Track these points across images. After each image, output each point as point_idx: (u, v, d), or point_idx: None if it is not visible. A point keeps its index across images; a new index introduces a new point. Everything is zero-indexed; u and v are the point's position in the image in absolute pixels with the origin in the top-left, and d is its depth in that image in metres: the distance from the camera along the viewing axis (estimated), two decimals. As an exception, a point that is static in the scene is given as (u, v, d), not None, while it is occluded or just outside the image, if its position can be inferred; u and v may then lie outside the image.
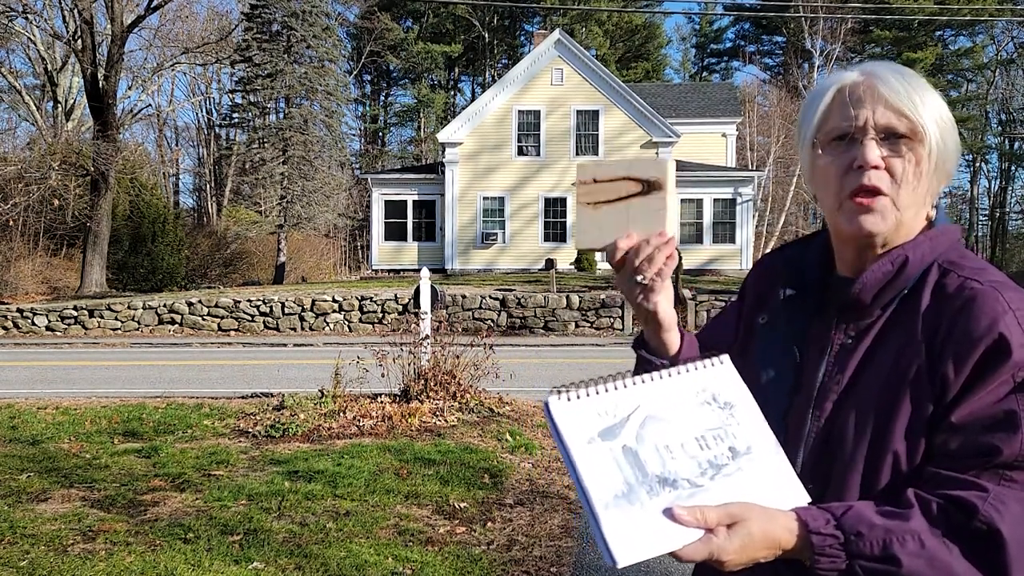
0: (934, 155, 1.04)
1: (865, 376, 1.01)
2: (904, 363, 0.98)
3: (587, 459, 0.91)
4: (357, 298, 18.72)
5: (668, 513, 0.88)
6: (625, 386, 0.96)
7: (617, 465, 0.90)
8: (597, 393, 0.95)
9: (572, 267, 25.13)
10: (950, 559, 0.88)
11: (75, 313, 18.68)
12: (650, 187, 1.01)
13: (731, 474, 0.93)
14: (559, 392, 0.95)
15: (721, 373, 1.00)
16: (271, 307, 18.69)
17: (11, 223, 28.03)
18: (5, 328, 18.59)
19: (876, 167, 1.02)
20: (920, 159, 1.03)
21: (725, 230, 26.67)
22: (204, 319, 18.71)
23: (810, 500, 0.94)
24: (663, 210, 1.01)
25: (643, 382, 0.96)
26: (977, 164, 53.44)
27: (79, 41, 26.70)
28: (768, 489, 0.93)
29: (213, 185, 48.95)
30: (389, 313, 18.47)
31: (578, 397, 0.94)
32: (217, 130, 48.63)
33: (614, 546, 0.86)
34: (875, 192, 1.02)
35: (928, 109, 1.04)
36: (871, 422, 0.98)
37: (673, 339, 1.11)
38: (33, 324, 18.62)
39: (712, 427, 0.95)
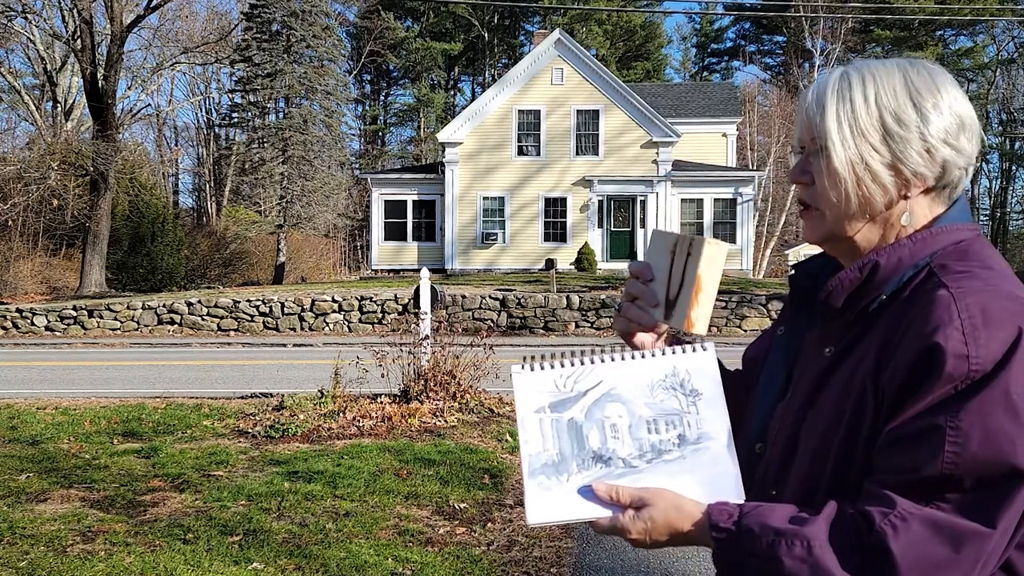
0: (848, 160, 0.98)
1: (830, 384, 0.98)
2: (859, 372, 0.95)
3: (530, 427, 0.98)
4: (357, 298, 18.70)
5: (588, 487, 0.95)
6: (592, 362, 0.99)
7: (556, 436, 0.97)
8: (563, 366, 1.00)
9: (572, 267, 25.13)
10: (834, 570, 0.87)
11: (74, 313, 18.67)
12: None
13: (671, 461, 0.96)
14: (527, 361, 1.02)
15: (699, 360, 0.99)
16: (271, 307, 18.68)
17: (10, 223, 28.03)
18: (4, 328, 18.58)
19: (794, 182, 1.06)
20: (831, 169, 0.99)
21: (725, 230, 26.66)
22: (203, 319, 18.70)
23: (744, 499, 0.95)
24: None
25: (613, 360, 0.99)
26: (978, 164, 53.37)
27: (78, 41, 26.69)
28: (704, 481, 0.94)
29: (213, 185, 48.94)
30: (389, 313, 18.46)
31: (542, 368, 1.00)
32: (217, 130, 48.64)
33: (528, 506, 0.96)
34: (803, 204, 1.06)
35: (831, 114, 0.99)
36: (820, 430, 0.96)
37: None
38: (32, 324, 18.61)
39: (668, 412, 0.97)
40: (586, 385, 0.99)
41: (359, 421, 6.94)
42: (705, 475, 0.95)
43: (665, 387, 0.98)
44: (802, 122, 1.04)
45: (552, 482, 0.96)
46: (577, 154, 26.43)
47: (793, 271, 1.15)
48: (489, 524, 4.55)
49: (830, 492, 0.94)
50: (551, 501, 0.96)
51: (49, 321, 18.64)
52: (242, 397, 8.92)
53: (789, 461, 1.00)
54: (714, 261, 1.03)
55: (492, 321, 18.11)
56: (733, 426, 1.00)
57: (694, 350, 1.00)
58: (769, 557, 0.89)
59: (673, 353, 1.00)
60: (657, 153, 26.16)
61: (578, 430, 0.97)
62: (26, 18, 28.64)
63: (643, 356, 1.00)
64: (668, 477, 0.95)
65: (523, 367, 1.01)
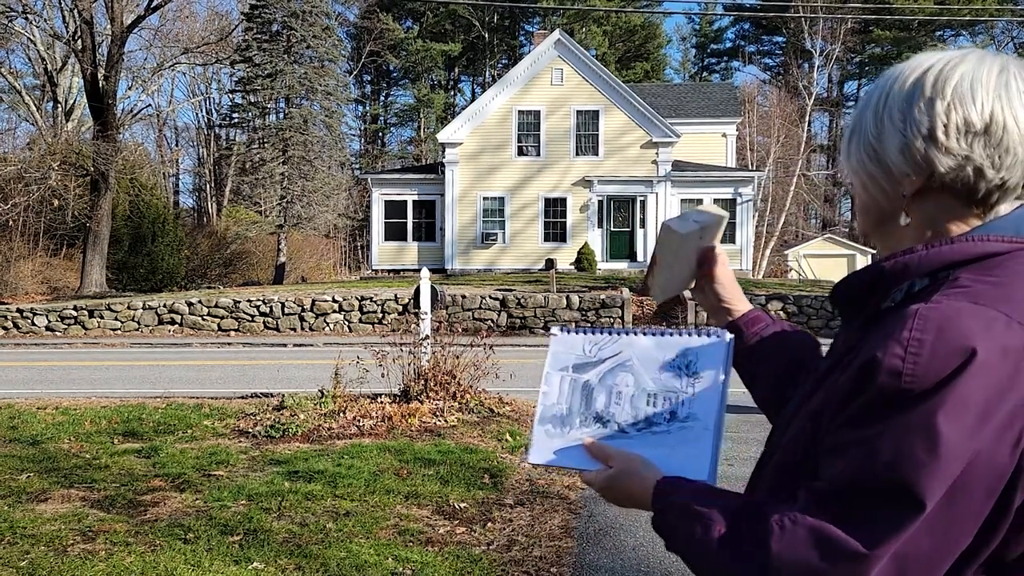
0: (854, 163, 1.00)
1: (823, 387, 0.98)
2: (831, 377, 0.95)
3: (552, 381, 1.12)
4: (357, 298, 18.71)
5: (582, 442, 1.06)
6: (619, 335, 1.11)
7: (570, 393, 1.09)
8: (594, 334, 1.12)
9: (572, 267, 25.13)
10: (713, 552, 0.91)
11: (75, 313, 18.67)
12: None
13: (657, 433, 1.04)
14: (566, 325, 1.16)
15: (711, 347, 1.06)
16: (271, 307, 18.68)
17: (11, 223, 28.04)
18: (5, 328, 18.59)
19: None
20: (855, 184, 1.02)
21: (725, 230, 26.48)
22: (204, 319, 18.70)
23: (706, 478, 1.01)
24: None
25: (636, 335, 1.09)
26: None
27: (79, 41, 26.70)
28: (678, 456, 1.02)
29: (213, 185, 48.95)
30: (389, 313, 18.47)
31: (576, 332, 1.13)
32: (217, 130, 48.64)
33: (532, 448, 1.10)
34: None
35: (847, 135, 1.02)
36: (795, 432, 0.97)
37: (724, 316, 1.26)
38: (33, 324, 18.62)
39: (669, 390, 1.05)
40: (607, 354, 1.09)
41: (359, 421, 6.94)
42: (681, 451, 1.02)
43: (673, 366, 1.06)
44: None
45: (556, 431, 1.08)
46: (577, 154, 26.43)
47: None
48: (489, 524, 4.55)
49: (781, 485, 0.95)
50: (551, 447, 1.08)
51: (49, 321, 18.64)
52: (242, 397, 8.92)
53: (766, 461, 1.02)
54: (678, 242, 1.17)
55: (492, 321, 18.11)
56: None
57: (708, 335, 1.06)
58: (675, 532, 0.96)
59: (689, 336, 1.07)
60: (657, 153, 26.17)
61: (590, 392, 1.08)
62: (26, 18, 28.65)
63: (662, 335, 1.08)
64: (650, 448, 1.03)
65: (561, 329, 1.14)
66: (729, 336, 1.07)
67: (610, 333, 1.11)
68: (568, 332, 1.14)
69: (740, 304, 1.28)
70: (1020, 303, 0.85)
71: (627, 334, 1.10)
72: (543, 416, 1.10)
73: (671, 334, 1.08)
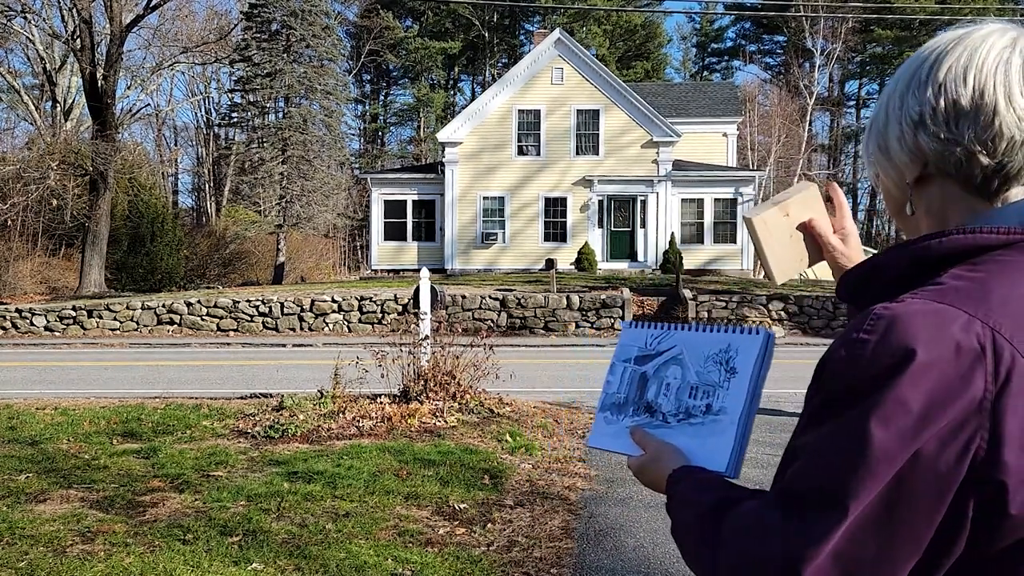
0: (871, 166, 1.00)
1: None
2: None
3: (616, 371, 1.21)
4: (356, 298, 18.70)
5: (630, 429, 1.13)
6: (677, 329, 1.17)
7: (629, 383, 1.18)
8: (657, 328, 1.19)
9: (572, 267, 25.12)
10: (684, 539, 0.96)
11: (74, 313, 18.66)
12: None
13: (694, 424, 1.08)
14: (636, 320, 1.30)
15: (750, 343, 1.09)
16: (270, 307, 18.67)
17: (10, 223, 28.02)
18: (4, 328, 18.57)
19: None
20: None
21: (726, 230, 26.66)
22: (203, 319, 18.69)
23: (725, 470, 1.03)
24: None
25: (690, 330, 1.15)
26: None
27: (78, 40, 26.68)
28: (703, 447, 1.06)
29: (212, 185, 48.94)
30: (389, 313, 18.46)
31: (642, 326, 1.21)
32: (216, 130, 48.62)
33: (590, 433, 1.20)
34: None
35: (867, 126, 1.01)
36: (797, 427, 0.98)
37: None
38: (32, 324, 18.61)
39: (708, 383, 1.09)
40: (664, 347, 1.16)
41: (359, 421, 6.93)
42: (707, 442, 1.06)
43: (716, 360, 1.10)
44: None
45: (612, 418, 1.17)
46: (577, 154, 26.42)
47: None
48: (489, 525, 4.54)
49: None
50: (606, 433, 1.17)
51: (48, 321, 18.63)
52: (242, 397, 8.91)
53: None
54: (762, 226, 1.21)
55: (492, 321, 18.09)
56: None
57: (749, 332, 1.09)
58: (673, 519, 1.01)
59: (733, 332, 1.10)
60: (657, 153, 26.16)
61: (645, 383, 1.15)
62: (26, 18, 28.63)
63: (711, 330, 1.13)
64: (685, 437, 1.08)
65: (631, 324, 1.23)
66: (767, 332, 1.08)
67: (671, 328, 1.18)
68: (636, 326, 1.22)
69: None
70: (996, 301, 0.81)
71: (685, 329, 1.16)
72: (604, 403, 1.19)
73: (719, 330, 1.12)
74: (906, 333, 0.79)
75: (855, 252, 1.20)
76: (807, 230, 1.21)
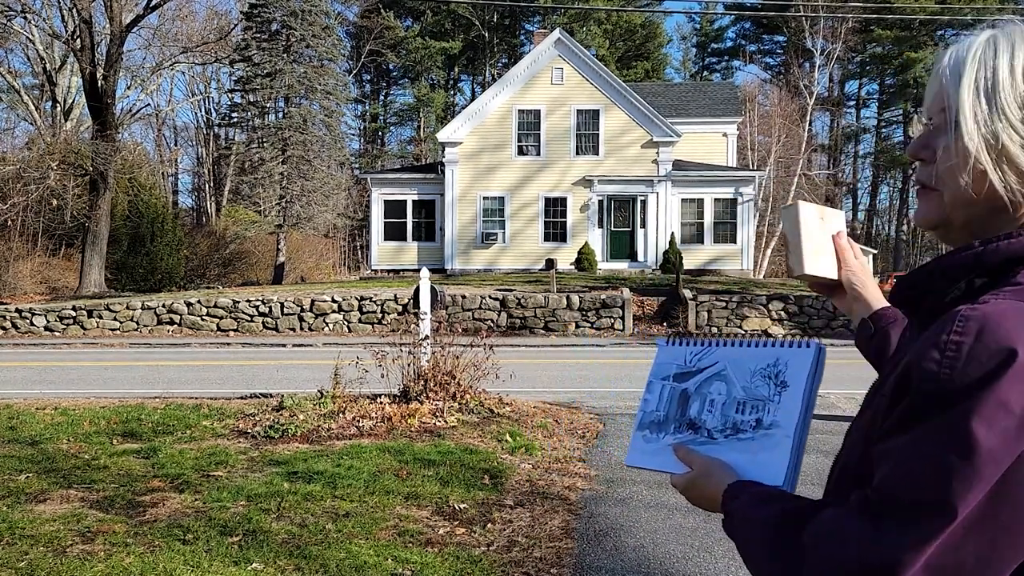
0: (981, 138, 0.87)
1: (880, 391, 0.95)
2: (889, 380, 0.91)
3: (653, 389, 1.18)
4: (356, 298, 18.70)
5: (673, 447, 1.12)
6: (719, 346, 1.16)
7: (669, 401, 1.16)
8: (697, 345, 1.18)
9: (572, 267, 25.12)
10: (756, 553, 0.93)
11: (74, 313, 18.66)
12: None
13: (743, 439, 1.07)
14: (672, 336, 1.25)
15: (798, 356, 1.08)
16: (270, 307, 18.67)
17: (10, 223, 28.02)
18: (4, 328, 18.57)
19: (914, 158, 0.96)
20: (959, 147, 0.88)
21: (726, 230, 26.66)
22: (203, 319, 18.69)
23: (782, 484, 1.01)
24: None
25: (734, 346, 1.14)
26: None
27: (78, 40, 26.68)
28: (757, 462, 1.05)
29: (212, 185, 48.94)
30: (389, 313, 18.46)
31: (681, 344, 1.20)
32: (216, 130, 48.63)
33: (629, 451, 1.18)
34: (919, 183, 0.97)
35: (967, 83, 0.88)
36: (853, 439, 0.96)
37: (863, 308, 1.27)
38: (32, 324, 18.61)
39: (757, 398, 1.08)
40: (705, 364, 1.15)
41: (359, 421, 6.93)
42: (760, 457, 1.04)
43: (763, 375, 1.09)
44: (933, 89, 0.93)
45: (652, 436, 1.15)
46: (577, 154, 26.42)
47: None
48: (489, 525, 4.54)
49: (840, 491, 0.94)
50: (646, 451, 1.15)
51: (48, 321, 18.63)
52: (242, 397, 8.91)
53: (835, 465, 1.01)
54: (805, 212, 1.24)
55: (492, 321, 18.09)
56: None
57: (799, 346, 1.09)
58: (735, 535, 0.99)
59: (781, 346, 1.09)
60: (657, 153, 26.16)
61: (686, 400, 1.14)
62: (25, 18, 28.63)
63: (756, 345, 1.12)
64: (734, 453, 1.07)
65: (668, 341, 1.22)
66: (818, 345, 1.08)
67: (711, 344, 1.17)
68: (673, 344, 1.20)
69: (875, 300, 1.26)
70: None
71: (726, 345, 1.15)
72: (642, 422, 1.17)
73: (765, 344, 1.11)
74: (1002, 333, 0.79)
75: (869, 279, 1.26)
76: (834, 241, 1.25)
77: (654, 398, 1.17)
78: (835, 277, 1.26)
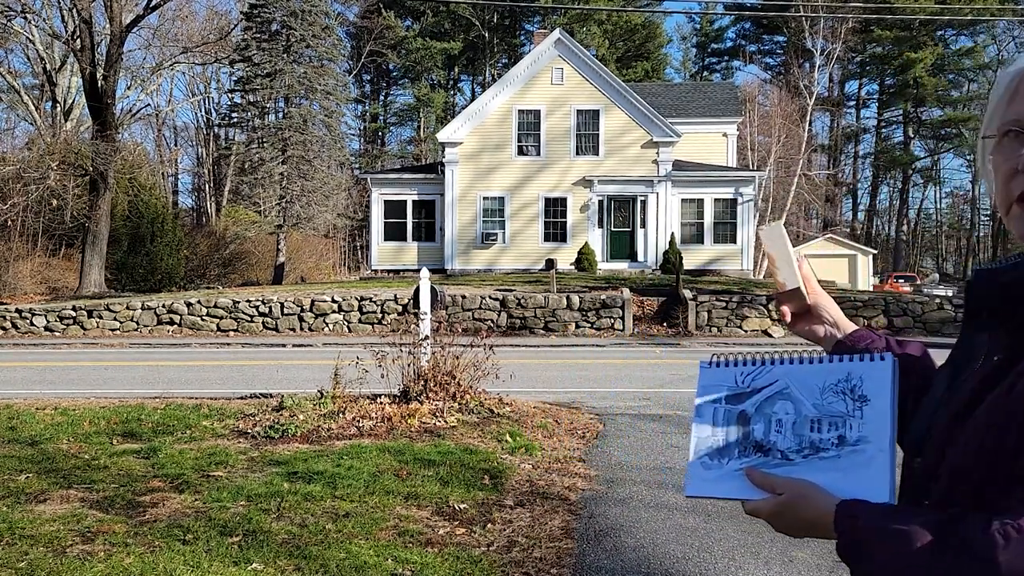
0: None
1: (991, 394, 0.92)
2: (999, 384, 0.88)
3: (704, 413, 1.11)
4: (356, 298, 18.70)
5: (743, 471, 1.05)
6: (772, 363, 1.10)
7: (726, 424, 1.09)
8: (745, 364, 1.12)
9: (572, 267, 25.12)
10: (924, 568, 0.87)
11: (74, 313, 18.66)
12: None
13: (826, 458, 1.02)
14: (715, 357, 1.16)
15: (874, 369, 1.04)
16: (270, 307, 18.67)
17: (10, 223, 28.02)
18: (4, 328, 18.57)
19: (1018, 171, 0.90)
20: None
21: (726, 230, 26.66)
22: (203, 319, 18.69)
23: (887, 500, 0.97)
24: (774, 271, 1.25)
25: (792, 363, 1.09)
26: (978, 164, 53.42)
27: (78, 41, 26.68)
28: (853, 480, 0.99)
29: (212, 185, 48.95)
30: (389, 313, 18.46)
31: (727, 365, 1.13)
32: (216, 130, 48.63)
33: (688, 480, 1.10)
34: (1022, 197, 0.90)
35: None
36: (969, 445, 0.91)
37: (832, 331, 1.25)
38: (32, 324, 18.61)
39: (833, 414, 1.03)
40: (762, 383, 1.09)
41: (359, 421, 6.93)
42: (855, 475, 1.00)
43: (836, 391, 1.04)
44: None
45: (713, 463, 1.08)
46: (577, 154, 26.42)
47: (983, 281, 1.01)
48: (489, 525, 4.54)
49: (970, 507, 0.90)
50: (708, 479, 1.08)
51: (48, 321, 18.63)
52: (242, 397, 8.91)
53: (935, 473, 0.97)
54: (777, 239, 1.23)
55: (492, 321, 18.09)
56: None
57: (871, 359, 1.05)
58: (871, 555, 0.92)
59: (851, 360, 1.05)
60: (657, 153, 26.16)
61: (746, 422, 1.08)
62: (26, 18, 28.64)
63: (820, 361, 1.08)
64: (819, 472, 1.01)
65: (711, 363, 1.15)
66: (889, 356, 1.05)
67: (763, 363, 1.11)
68: (716, 365, 1.14)
69: (844, 321, 1.25)
70: None
71: (781, 363, 1.10)
72: (698, 449, 1.10)
73: (828, 359, 1.08)
74: None
75: (832, 301, 1.27)
76: (799, 263, 1.27)
77: (707, 422, 1.11)
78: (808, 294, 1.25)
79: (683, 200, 26.48)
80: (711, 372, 1.14)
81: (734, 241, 26.60)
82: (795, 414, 1.05)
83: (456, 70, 58.29)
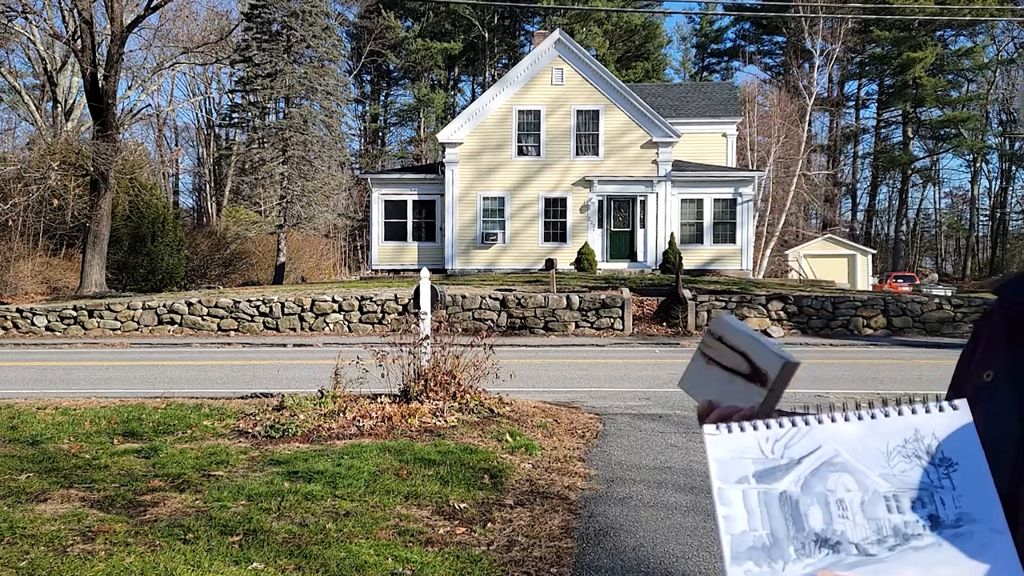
0: None
1: None
2: None
3: (732, 500, 0.83)
4: (357, 298, 18.71)
5: None
6: (807, 423, 0.85)
7: (767, 513, 0.82)
8: (768, 427, 0.86)
9: (572, 267, 25.13)
10: None
11: (75, 313, 18.67)
12: (757, 376, 0.98)
13: (923, 548, 0.78)
14: (722, 422, 0.90)
15: (947, 421, 0.82)
16: (271, 307, 18.68)
17: (11, 223, 28.02)
18: (5, 328, 18.58)
19: None
20: None
21: (726, 230, 26.67)
22: (204, 319, 18.70)
23: None
24: (757, 403, 0.97)
25: (834, 421, 0.85)
26: (978, 164, 53.42)
27: (79, 41, 26.69)
28: (967, 573, 0.77)
29: (213, 185, 48.95)
30: (389, 313, 18.46)
31: (742, 430, 0.87)
32: (217, 130, 48.63)
33: None
34: None
35: None
36: None
37: None
38: (33, 324, 18.62)
39: (913, 487, 0.80)
40: (801, 451, 0.84)
41: (359, 421, 6.94)
42: (973, 568, 0.77)
43: (906, 455, 0.82)
44: None
45: (763, 570, 0.80)
46: (577, 154, 26.43)
47: (1004, 291, 0.89)
48: (489, 524, 4.55)
49: None
50: None
51: (49, 321, 18.64)
52: (242, 397, 8.92)
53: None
54: (740, 331, 1.02)
55: (492, 321, 18.10)
56: None
57: (940, 409, 0.83)
58: None
59: (913, 413, 0.83)
60: (657, 153, 26.17)
61: (794, 506, 0.82)
62: (26, 18, 28.65)
63: (872, 416, 0.84)
64: (922, 569, 0.77)
65: (718, 428, 0.88)
66: (962, 403, 0.84)
67: (793, 423, 0.85)
68: (728, 429, 0.87)
69: None
70: None
71: (819, 421, 0.85)
72: (737, 552, 0.81)
73: (881, 414, 0.84)
74: None
75: None
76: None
77: (738, 511, 0.82)
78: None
79: (683, 200, 26.48)
80: (723, 440, 0.87)
81: (733, 241, 26.61)
82: (860, 490, 0.81)
83: (456, 70, 58.30)
